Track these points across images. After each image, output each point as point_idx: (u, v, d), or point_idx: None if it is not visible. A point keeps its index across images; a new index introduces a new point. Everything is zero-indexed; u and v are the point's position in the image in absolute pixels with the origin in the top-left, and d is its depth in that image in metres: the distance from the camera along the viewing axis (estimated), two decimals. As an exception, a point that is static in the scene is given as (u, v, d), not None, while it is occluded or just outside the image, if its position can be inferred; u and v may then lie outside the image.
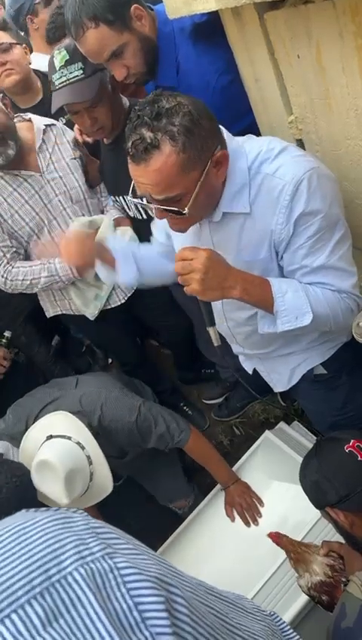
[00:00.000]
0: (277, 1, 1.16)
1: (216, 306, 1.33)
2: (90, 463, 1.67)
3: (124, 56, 1.46)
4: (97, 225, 1.94)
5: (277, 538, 1.31)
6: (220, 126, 1.15)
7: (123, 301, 2.12)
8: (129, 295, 2.13)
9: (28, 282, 1.94)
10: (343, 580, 1.17)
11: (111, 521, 1.95)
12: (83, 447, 1.67)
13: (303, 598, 1.53)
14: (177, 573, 0.57)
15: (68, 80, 1.60)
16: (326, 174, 1.15)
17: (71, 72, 1.60)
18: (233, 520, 1.92)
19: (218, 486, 2.01)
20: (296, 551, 1.27)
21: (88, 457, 1.67)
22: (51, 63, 1.63)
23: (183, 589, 0.54)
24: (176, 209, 1.09)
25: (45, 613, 0.45)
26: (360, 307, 1.25)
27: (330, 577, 1.19)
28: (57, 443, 1.66)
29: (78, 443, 1.67)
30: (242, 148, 1.17)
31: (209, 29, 1.44)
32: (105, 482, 1.70)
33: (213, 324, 1.23)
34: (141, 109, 1.03)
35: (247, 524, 1.88)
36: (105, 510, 2.24)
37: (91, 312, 2.08)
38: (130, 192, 1.15)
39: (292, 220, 1.12)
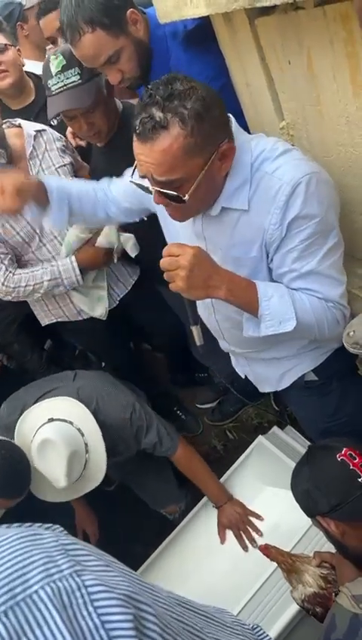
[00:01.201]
0: (268, 8, 1.16)
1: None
2: (87, 451, 1.67)
3: (120, 60, 1.45)
4: (96, 229, 1.94)
5: (267, 550, 1.30)
6: (230, 115, 1.15)
7: (116, 304, 2.11)
8: (121, 296, 2.12)
9: (31, 288, 1.92)
10: (334, 590, 1.16)
11: (103, 526, 1.95)
12: (82, 434, 1.67)
13: (293, 609, 1.52)
14: (150, 589, 0.56)
15: (65, 86, 1.59)
16: (325, 180, 1.14)
17: (68, 78, 1.58)
18: (223, 542, 1.84)
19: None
20: (286, 562, 1.26)
21: (86, 445, 1.67)
22: (47, 68, 1.61)
23: (155, 605, 0.53)
24: (175, 194, 1.08)
25: (8, 633, 0.45)
26: (346, 318, 1.24)
27: (324, 589, 1.18)
28: (59, 425, 1.66)
29: (79, 430, 1.67)
30: (249, 144, 1.16)
31: (200, 35, 1.43)
32: (96, 473, 1.70)
33: (196, 322, 1.22)
34: (154, 89, 1.02)
35: (245, 548, 1.82)
36: (97, 514, 2.24)
37: (100, 313, 2.07)
38: (132, 172, 1.13)
39: (286, 222, 1.11)
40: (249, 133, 1.53)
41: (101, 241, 1.92)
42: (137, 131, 1.03)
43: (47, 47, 2.69)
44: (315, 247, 1.14)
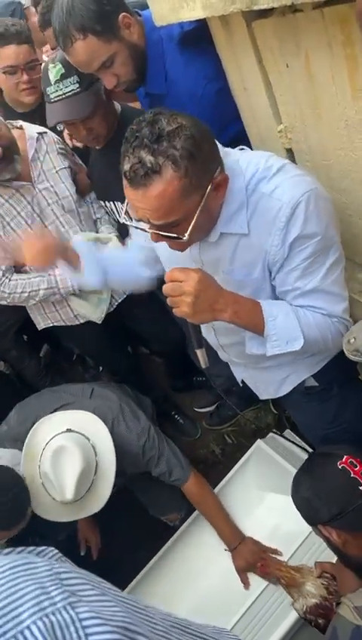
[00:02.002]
0: (265, 10, 1.14)
1: None
2: (95, 473, 1.63)
3: (114, 65, 1.44)
4: (101, 242, 1.93)
5: (265, 569, 1.29)
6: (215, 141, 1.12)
7: (113, 308, 2.10)
8: (120, 301, 2.10)
9: (26, 295, 1.92)
10: (336, 601, 1.14)
11: (103, 531, 1.92)
12: (96, 454, 1.64)
13: (291, 618, 1.50)
14: (147, 615, 0.54)
15: (64, 94, 1.59)
16: (323, 196, 1.12)
17: (67, 87, 1.57)
18: (247, 587, 1.71)
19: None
20: (285, 576, 1.24)
21: (97, 464, 1.64)
22: (45, 76, 1.60)
23: (152, 634, 0.51)
24: (174, 235, 1.05)
25: None
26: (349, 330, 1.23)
27: (326, 600, 1.17)
28: (77, 437, 1.63)
29: (93, 447, 1.64)
30: (238, 165, 1.13)
31: (197, 37, 1.42)
32: (99, 499, 1.66)
33: (201, 346, 1.20)
34: (138, 130, 0.97)
35: (274, 583, 1.61)
36: (97, 520, 2.22)
37: (98, 317, 2.06)
38: (124, 213, 1.10)
39: (288, 243, 1.10)
40: (246, 136, 1.53)
41: None
42: (128, 178, 0.99)
43: (44, 50, 2.68)
44: (317, 265, 1.13)
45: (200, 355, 1.21)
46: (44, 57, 2.55)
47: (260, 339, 1.18)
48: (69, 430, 1.64)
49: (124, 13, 1.40)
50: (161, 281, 1.12)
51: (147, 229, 1.09)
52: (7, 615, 0.45)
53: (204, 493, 1.86)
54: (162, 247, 1.30)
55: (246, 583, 1.73)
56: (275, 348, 1.16)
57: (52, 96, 1.60)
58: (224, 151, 1.14)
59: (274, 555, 1.69)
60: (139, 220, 1.07)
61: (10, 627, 0.44)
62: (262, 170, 1.11)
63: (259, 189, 1.11)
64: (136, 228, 1.11)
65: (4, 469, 1.55)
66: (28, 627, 0.44)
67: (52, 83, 1.58)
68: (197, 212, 1.04)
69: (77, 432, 1.64)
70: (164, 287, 1.09)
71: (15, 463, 1.65)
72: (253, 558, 1.70)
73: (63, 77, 1.56)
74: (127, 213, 1.09)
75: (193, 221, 1.04)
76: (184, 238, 1.05)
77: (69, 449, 1.55)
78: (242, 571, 1.75)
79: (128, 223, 1.11)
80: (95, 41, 1.37)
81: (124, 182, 1.02)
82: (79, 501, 1.61)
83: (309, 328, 1.16)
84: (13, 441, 1.73)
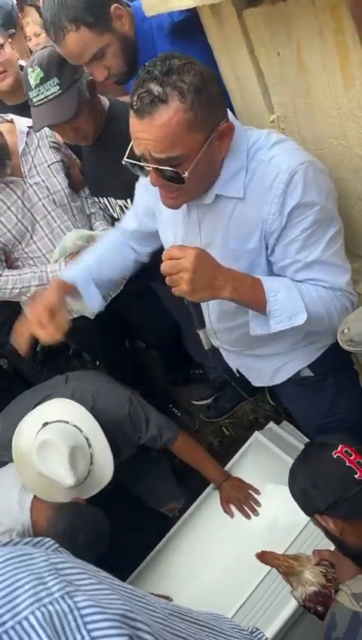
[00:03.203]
0: (255, -2, 1.14)
1: None
2: (90, 445, 1.65)
3: (105, 57, 1.43)
4: (94, 239, 1.92)
5: (263, 558, 1.29)
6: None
7: (107, 302, 2.09)
8: (114, 296, 2.10)
9: (17, 291, 1.92)
10: (334, 588, 1.15)
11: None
12: (81, 430, 1.65)
13: (291, 607, 1.52)
14: (145, 603, 0.54)
15: (46, 98, 1.57)
16: (322, 169, 1.13)
17: (47, 90, 1.56)
18: (232, 516, 1.89)
19: (207, 490, 1.99)
20: (283, 565, 1.25)
21: (87, 439, 1.65)
22: (26, 81, 1.59)
23: (151, 621, 0.51)
24: (175, 170, 1.04)
25: None
26: (355, 305, 1.22)
27: (325, 587, 1.17)
28: (55, 426, 1.64)
29: (75, 426, 1.65)
30: (243, 131, 1.14)
31: (187, 28, 1.41)
32: (104, 469, 1.68)
33: (203, 326, 1.20)
34: (151, 66, 0.99)
35: (247, 516, 1.87)
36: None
37: (91, 312, 2.05)
38: (127, 154, 1.08)
39: (286, 212, 1.09)
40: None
41: None
42: (134, 107, 0.99)
43: (32, 44, 2.67)
44: (318, 236, 1.12)
45: (203, 335, 1.20)
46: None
47: (263, 317, 1.17)
48: (45, 424, 1.65)
49: (115, 5, 1.39)
50: (151, 266, 1.10)
51: (148, 166, 1.06)
52: (4, 606, 0.45)
53: (190, 447, 1.98)
54: (162, 217, 1.30)
55: (230, 514, 1.89)
56: (279, 324, 1.15)
57: (34, 100, 1.60)
58: (232, 117, 1.14)
59: (252, 493, 1.88)
60: (140, 156, 1.05)
61: (8, 618, 0.44)
62: (263, 140, 1.13)
63: (257, 156, 1.11)
64: (137, 167, 1.09)
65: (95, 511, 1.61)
66: (26, 618, 0.44)
67: (33, 87, 1.57)
68: (200, 153, 1.03)
69: (54, 422, 1.65)
70: (162, 265, 1.08)
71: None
72: (236, 492, 1.89)
73: (43, 80, 1.55)
74: (130, 153, 1.07)
75: (195, 161, 1.03)
76: (184, 175, 1.03)
77: (49, 441, 1.56)
78: (226, 502, 1.91)
79: (129, 161, 1.09)
80: (87, 32, 1.36)
81: (131, 114, 1.01)
82: (88, 477, 1.64)
83: (312, 302, 1.15)
84: (5, 449, 1.74)
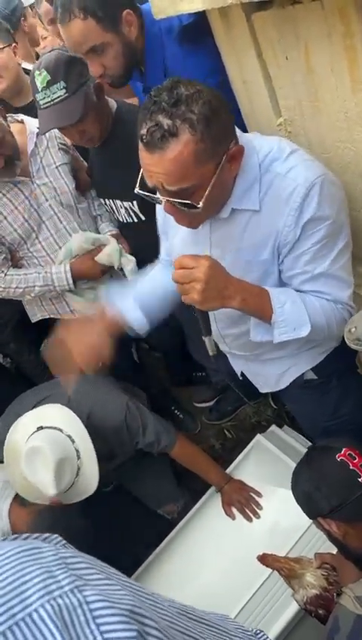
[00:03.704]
0: (264, 2, 1.14)
1: None
2: (78, 457, 1.65)
3: (104, 55, 1.44)
4: (101, 243, 1.94)
5: (264, 560, 1.29)
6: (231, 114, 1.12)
7: None
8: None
9: (21, 290, 1.92)
10: (336, 592, 1.15)
11: (102, 527, 1.92)
12: (73, 441, 1.65)
13: (293, 609, 1.51)
14: (153, 601, 0.54)
15: (52, 101, 1.58)
16: (334, 181, 1.13)
17: (54, 93, 1.57)
18: (234, 518, 1.89)
19: (208, 492, 1.99)
20: (284, 567, 1.25)
21: (77, 451, 1.65)
22: (33, 83, 1.60)
23: (159, 618, 0.51)
24: (189, 202, 1.04)
25: None
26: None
27: (326, 590, 1.17)
28: (48, 433, 1.64)
29: (69, 436, 1.65)
30: (252, 144, 1.14)
31: (196, 31, 1.42)
32: (90, 481, 1.67)
33: (209, 333, 1.20)
34: (157, 95, 0.98)
35: (249, 519, 1.87)
36: (94, 516, 2.22)
37: (93, 313, 2.06)
38: (138, 184, 1.09)
39: (301, 224, 1.10)
40: (245, 130, 1.53)
41: (102, 258, 1.91)
42: (144, 141, 0.99)
43: (40, 48, 2.68)
44: (327, 250, 1.13)
45: (208, 343, 1.21)
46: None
47: (266, 326, 1.18)
48: (40, 428, 1.65)
49: (128, 10, 1.40)
50: None
51: (161, 197, 1.07)
52: (15, 598, 0.45)
53: (190, 452, 1.96)
54: (174, 232, 1.30)
55: (231, 517, 1.89)
56: (283, 335, 1.16)
57: (41, 103, 1.60)
58: (238, 131, 1.14)
59: (253, 496, 1.88)
60: (153, 188, 1.06)
61: (19, 610, 0.44)
62: (276, 151, 1.12)
63: (273, 169, 1.11)
64: (150, 198, 1.10)
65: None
66: (36, 610, 0.44)
67: (39, 90, 1.58)
68: (213, 181, 1.03)
69: (49, 427, 1.65)
70: (174, 273, 1.08)
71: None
72: (238, 495, 1.89)
73: (50, 83, 1.56)
74: (141, 183, 1.08)
75: (208, 190, 1.03)
76: (199, 206, 1.04)
77: (39, 448, 1.56)
78: (227, 505, 1.90)
79: (142, 193, 1.10)
80: (93, 24, 1.37)
81: (140, 146, 1.02)
82: (72, 487, 1.63)
83: (316, 314, 1.16)
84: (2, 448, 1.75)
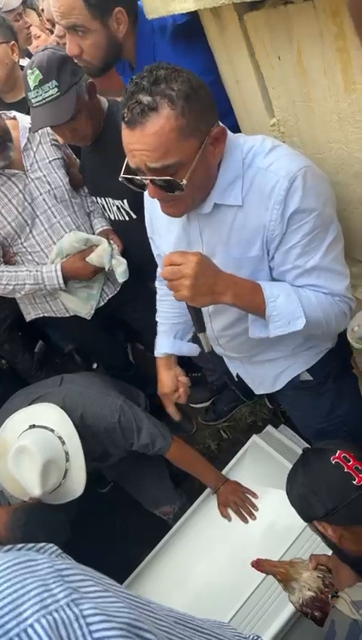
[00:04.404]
0: (257, 2, 1.13)
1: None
2: (67, 460, 1.65)
3: (84, 38, 1.42)
4: (92, 243, 1.93)
5: (259, 566, 1.29)
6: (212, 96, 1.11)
7: (104, 303, 2.09)
8: (110, 296, 2.09)
9: (11, 287, 1.92)
10: (331, 594, 1.15)
11: (98, 528, 1.92)
12: (63, 443, 1.65)
13: (288, 611, 1.51)
14: (150, 611, 0.53)
15: (44, 99, 1.58)
16: (319, 174, 1.13)
17: (46, 92, 1.57)
18: (230, 520, 1.89)
19: (204, 493, 1.99)
20: (280, 571, 1.24)
21: (66, 453, 1.65)
22: (25, 82, 1.60)
23: (157, 630, 0.50)
24: (172, 179, 1.03)
25: None
26: (353, 310, 1.22)
27: (322, 592, 1.17)
28: (39, 433, 1.64)
29: (60, 437, 1.65)
30: (236, 140, 1.13)
31: (189, 30, 1.41)
32: (76, 484, 1.67)
33: (203, 330, 1.20)
34: (139, 78, 0.99)
35: (245, 520, 1.86)
36: (91, 517, 2.22)
37: (87, 313, 2.06)
38: (122, 171, 1.07)
39: (286, 217, 1.09)
40: (238, 130, 1.52)
41: (92, 258, 1.91)
42: (125, 119, 0.99)
43: (32, 47, 2.66)
44: (317, 242, 1.12)
45: (203, 339, 1.21)
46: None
47: (262, 322, 1.17)
48: (32, 426, 1.65)
49: (121, 9, 1.39)
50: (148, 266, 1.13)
51: (144, 179, 1.05)
52: (9, 613, 0.44)
53: (185, 454, 1.96)
54: (165, 232, 1.29)
55: (227, 518, 1.89)
56: (278, 329, 1.15)
57: (33, 101, 1.60)
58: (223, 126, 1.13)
59: (249, 497, 1.90)
60: (136, 169, 1.04)
61: (13, 625, 0.43)
62: (258, 146, 1.12)
63: (255, 164, 1.11)
64: (134, 183, 1.08)
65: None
66: (31, 625, 0.43)
67: (32, 89, 1.58)
68: (196, 159, 1.03)
69: (41, 427, 1.65)
70: (163, 271, 1.08)
71: None
72: (233, 496, 1.89)
73: (42, 82, 1.56)
74: (126, 169, 1.06)
75: (191, 167, 1.02)
76: (182, 183, 1.03)
77: (27, 448, 1.56)
78: (223, 506, 1.91)
79: (126, 178, 1.08)
80: (81, 4, 1.35)
81: (123, 126, 1.01)
82: (59, 488, 1.63)
83: (311, 307, 1.15)
84: None
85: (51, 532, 1.50)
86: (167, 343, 1.59)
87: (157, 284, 1.61)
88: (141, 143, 0.99)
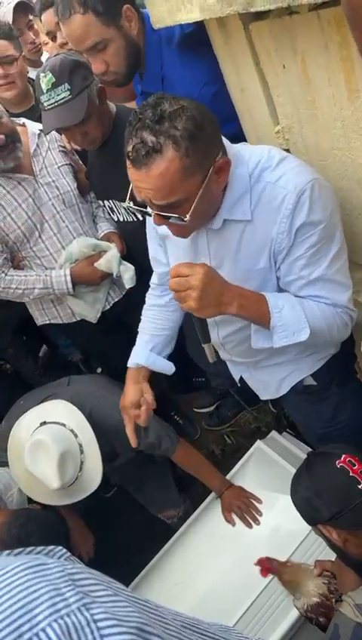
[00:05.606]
0: (262, 12, 1.15)
1: None
2: (82, 452, 1.66)
3: (107, 51, 1.44)
4: (101, 249, 1.95)
5: (266, 563, 1.29)
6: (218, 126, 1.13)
7: (109, 306, 2.10)
8: (116, 300, 2.11)
9: (20, 292, 1.94)
10: (336, 599, 1.15)
11: (101, 532, 1.93)
12: (76, 435, 1.67)
13: (293, 615, 1.51)
14: (159, 615, 0.54)
15: (56, 102, 1.61)
16: (326, 185, 1.14)
17: (58, 95, 1.60)
18: (233, 525, 1.89)
19: (208, 498, 1.99)
20: (286, 573, 1.24)
21: (80, 445, 1.66)
22: (38, 85, 1.63)
23: (166, 635, 0.51)
24: (176, 215, 1.06)
25: None
26: (354, 320, 1.23)
27: (327, 599, 1.17)
28: (51, 428, 1.66)
29: (72, 430, 1.67)
30: (241, 155, 1.14)
31: (196, 40, 1.43)
32: (93, 476, 1.69)
33: (208, 340, 1.21)
34: (142, 112, 0.99)
35: (249, 525, 1.86)
36: (95, 521, 2.23)
37: (93, 316, 2.07)
38: (128, 197, 1.11)
39: (294, 230, 1.10)
40: (242, 138, 1.54)
41: (101, 263, 1.92)
42: (130, 158, 1.01)
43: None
44: (322, 254, 1.14)
45: (208, 349, 1.22)
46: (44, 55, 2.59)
47: (266, 332, 1.19)
48: (43, 423, 1.67)
49: (128, 6, 1.40)
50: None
51: (150, 211, 1.09)
52: (22, 617, 0.44)
53: (191, 456, 1.97)
54: (170, 244, 1.31)
55: (231, 523, 1.89)
56: (282, 340, 1.17)
57: (45, 104, 1.63)
58: (227, 142, 1.15)
59: (253, 502, 1.89)
60: (142, 202, 1.07)
61: (27, 629, 0.43)
62: (265, 160, 1.13)
63: (263, 178, 1.12)
64: (140, 211, 1.12)
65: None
66: (43, 629, 0.44)
67: (44, 92, 1.61)
68: (199, 194, 1.04)
69: (52, 423, 1.67)
70: (170, 282, 1.09)
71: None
72: (237, 501, 1.89)
73: (55, 85, 1.59)
74: (131, 196, 1.09)
75: (195, 202, 1.04)
76: (186, 219, 1.05)
77: (42, 442, 1.58)
78: (227, 511, 1.91)
79: (133, 207, 1.12)
80: (93, 19, 1.37)
81: (127, 163, 1.03)
82: (75, 483, 1.64)
83: (315, 318, 1.17)
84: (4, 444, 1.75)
85: (45, 540, 1.49)
86: (143, 354, 1.57)
87: (149, 291, 1.61)
88: (146, 182, 1.02)
